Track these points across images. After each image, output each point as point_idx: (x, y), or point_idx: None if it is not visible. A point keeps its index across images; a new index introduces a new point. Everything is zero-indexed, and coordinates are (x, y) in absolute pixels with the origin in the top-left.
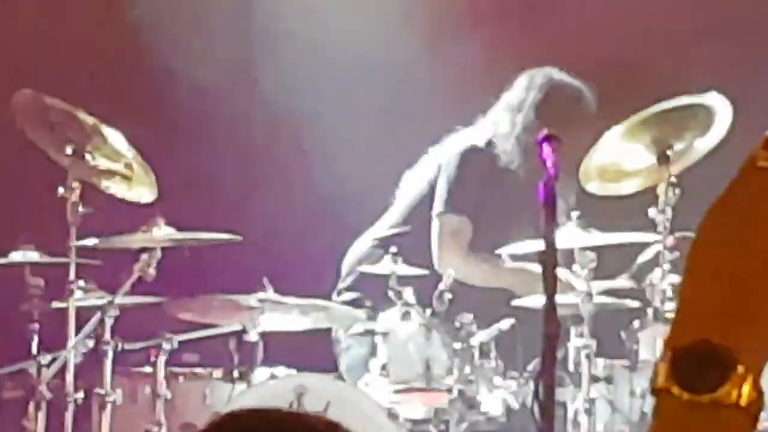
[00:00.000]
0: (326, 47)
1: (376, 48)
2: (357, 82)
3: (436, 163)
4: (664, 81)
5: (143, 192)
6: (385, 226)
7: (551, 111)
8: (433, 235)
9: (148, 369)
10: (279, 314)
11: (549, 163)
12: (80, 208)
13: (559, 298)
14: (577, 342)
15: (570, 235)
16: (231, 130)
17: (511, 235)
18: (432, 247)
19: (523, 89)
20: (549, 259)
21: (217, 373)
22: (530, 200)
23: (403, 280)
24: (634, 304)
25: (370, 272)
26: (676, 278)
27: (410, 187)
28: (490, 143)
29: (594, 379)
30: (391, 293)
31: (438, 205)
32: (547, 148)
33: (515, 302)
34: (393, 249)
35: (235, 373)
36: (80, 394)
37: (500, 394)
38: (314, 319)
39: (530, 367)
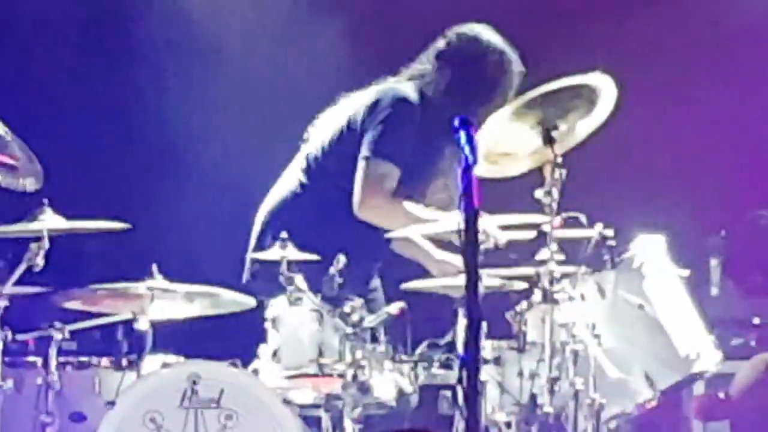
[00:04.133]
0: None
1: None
2: (242, 61)
3: (363, 104)
4: (548, 62)
5: (29, 181)
6: (296, 170)
7: (474, 67)
8: (357, 178)
9: (32, 358)
10: (168, 302)
11: (467, 150)
12: None
13: (449, 281)
14: (465, 324)
15: (458, 217)
16: (117, 116)
17: (436, 188)
18: (354, 190)
19: (453, 41)
20: (470, 246)
21: (106, 362)
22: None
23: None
24: (522, 285)
25: (260, 258)
26: (563, 258)
27: (325, 128)
28: (420, 93)
29: (483, 361)
30: (282, 279)
31: (365, 149)
32: (464, 134)
33: (404, 286)
34: (284, 234)
35: (124, 362)
36: None
37: (392, 378)
38: (203, 306)
39: (419, 351)
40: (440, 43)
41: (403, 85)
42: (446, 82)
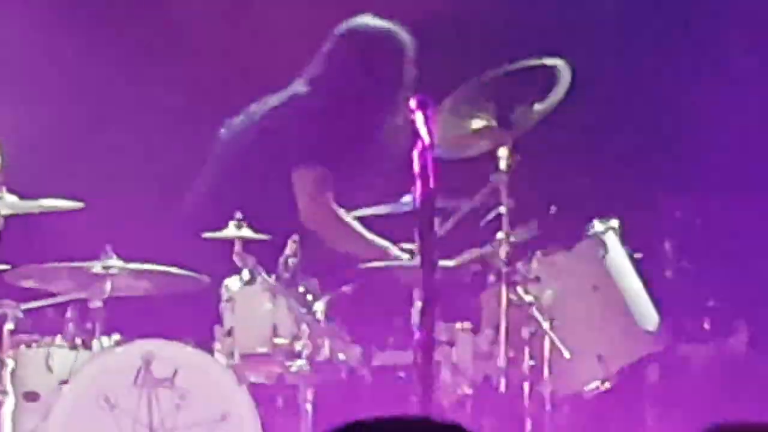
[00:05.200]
0: None
1: None
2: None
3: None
4: (504, 44)
5: None
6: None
7: (361, 54)
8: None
9: None
10: (122, 280)
11: (423, 131)
12: None
13: (406, 262)
14: (420, 305)
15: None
16: (74, 92)
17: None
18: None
19: (332, 42)
20: (425, 226)
21: (59, 340)
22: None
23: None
24: (475, 266)
25: (214, 237)
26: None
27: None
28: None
29: (437, 342)
30: (236, 258)
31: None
32: (420, 115)
33: (360, 266)
34: (238, 215)
35: (77, 341)
36: None
37: (346, 358)
38: (155, 284)
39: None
40: (328, 44)
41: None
42: (345, 78)
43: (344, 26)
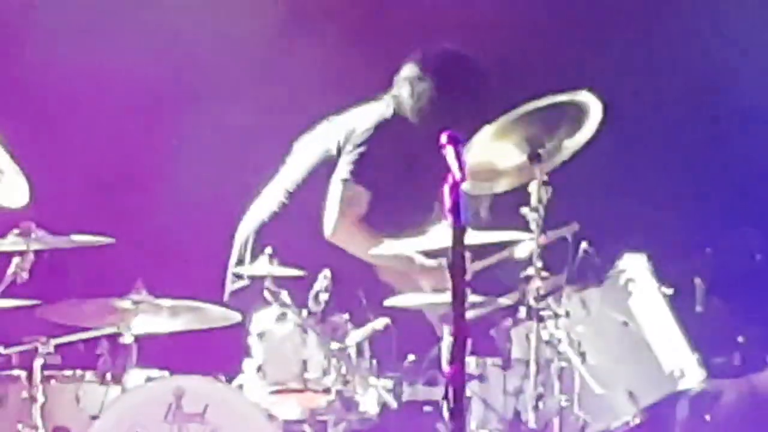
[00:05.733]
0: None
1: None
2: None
3: (338, 131)
4: (536, 79)
5: (15, 196)
6: (277, 189)
7: (451, 82)
8: (330, 200)
9: (16, 372)
10: (153, 316)
11: (455, 167)
12: None
13: (434, 297)
14: (450, 340)
15: (444, 233)
16: (101, 130)
17: (414, 218)
18: (326, 211)
19: (418, 62)
20: (457, 263)
21: (90, 375)
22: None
23: (280, 281)
24: (507, 301)
25: (245, 273)
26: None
27: (306, 151)
28: (397, 116)
29: (467, 377)
30: (267, 294)
31: (342, 171)
32: (451, 150)
33: (388, 302)
34: (269, 250)
35: (108, 376)
36: None
37: (377, 394)
38: (187, 321)
39: (406, 364)
40: (413, 65)
41: (383, 108)
42: (424, 102)
43: (432, 50)
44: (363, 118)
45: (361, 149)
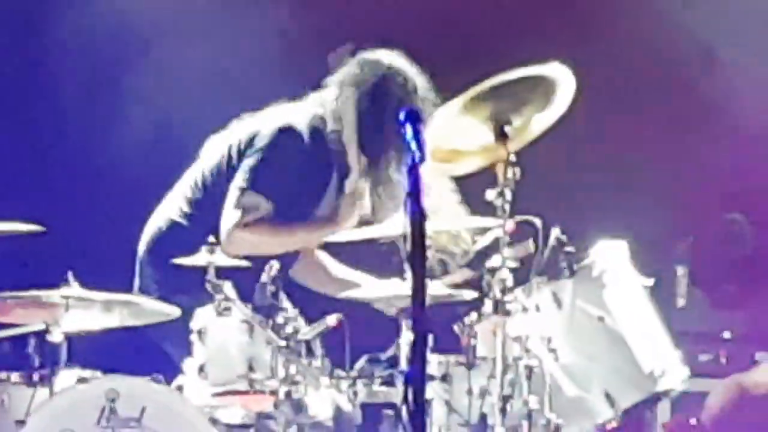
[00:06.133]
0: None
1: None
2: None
3: (247, 131)
4: (501, 52)
5: None
6: (179, 193)
7: (385, 95)
8: (227, 209)
9: None
10: (84, 311)
11: (413, 146)
12: None
13: (392, 290)
14: (409, 337)
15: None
16: (29, 112)
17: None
18: (222, 222)
19: (356, 67)
20: (416, 248)
21: (15, 377)
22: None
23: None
24: (471, 294)
25: (185, 264)
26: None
27: (212, 150)
28: (316, 122)
29: (428, 377)
30: (208, 286)
31: (240, 179)
32: (410, 129)
33: (343, 294)
34: (211, 239)
35: (36, 377)
36: None
37: (329, 396)
38: (122, 316)
39: (358, 366)
40: (343, 69)
41: (293, 113)
42: (351, 108)
43: (363, 57)
44: (271, 120)
45: (261, 155)
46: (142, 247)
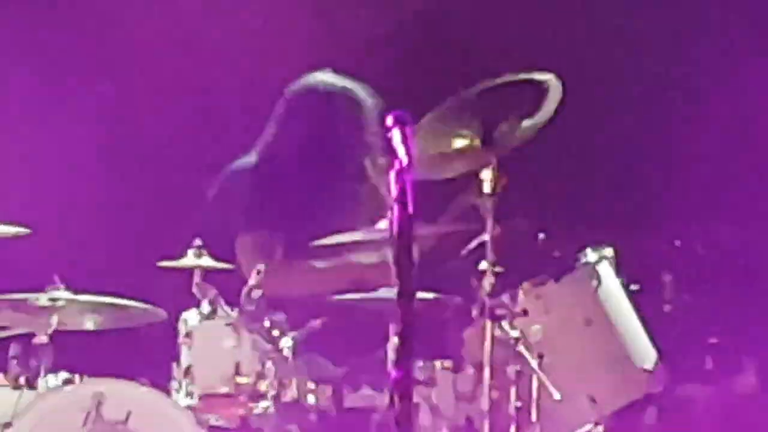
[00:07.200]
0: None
1: None
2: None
3: None
4: (490, 58)
5: None
6: None
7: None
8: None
9: None
10: (70, 313)
11: (400, 151)
12: None
13: (378, 293)
14: (396, 341)
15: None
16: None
17: None
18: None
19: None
20: (403, 254)
21: (1, 379)
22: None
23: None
24: (457, 299)
25: (171, 266)
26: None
27: None
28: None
29: (415, 381)
30: (195, 289)
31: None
32: (397, 134)
33: (329, 298)
34: (197, 242)
35: (21, 380)
36: None
37: (315, 400)
38: (108, 319)
39: (347, 367)
40: (281, 106)
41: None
42: (297, 139)
43: (298, 85)
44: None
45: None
46: None
